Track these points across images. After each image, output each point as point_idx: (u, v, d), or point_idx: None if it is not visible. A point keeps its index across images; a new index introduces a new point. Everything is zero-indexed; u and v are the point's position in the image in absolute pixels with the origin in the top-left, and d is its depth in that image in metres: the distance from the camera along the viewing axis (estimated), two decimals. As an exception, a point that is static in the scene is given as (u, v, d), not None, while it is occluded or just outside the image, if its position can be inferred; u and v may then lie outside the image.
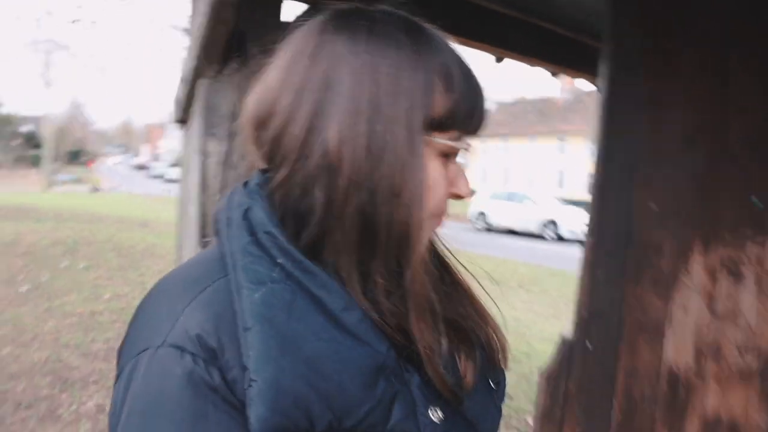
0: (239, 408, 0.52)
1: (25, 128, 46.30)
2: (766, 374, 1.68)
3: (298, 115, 0.57)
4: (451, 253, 0.72)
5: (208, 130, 1.84)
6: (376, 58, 0.56)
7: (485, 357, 0.68)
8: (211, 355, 0.52)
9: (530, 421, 3.71)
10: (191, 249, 1.88)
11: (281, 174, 0.59)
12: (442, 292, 0.66)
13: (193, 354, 0.52)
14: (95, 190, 28.49)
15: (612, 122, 1.82)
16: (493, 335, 0.70)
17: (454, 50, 0.61)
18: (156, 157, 65.82)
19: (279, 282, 0.55)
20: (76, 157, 50.92)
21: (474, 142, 0.65)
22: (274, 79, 0.60)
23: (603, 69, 1.87)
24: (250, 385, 0.51)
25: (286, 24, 1.71)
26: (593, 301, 1.75)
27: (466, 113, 0.60)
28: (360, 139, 0.55)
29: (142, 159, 66.85)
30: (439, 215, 0.63)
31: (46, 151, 29.94)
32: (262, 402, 0.50)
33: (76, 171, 43.47)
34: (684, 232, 1.68)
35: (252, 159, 0.65)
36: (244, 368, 0.52)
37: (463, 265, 0.73)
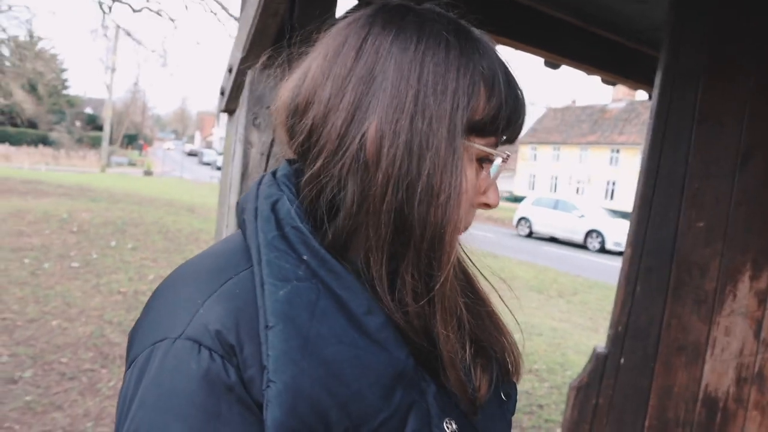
0: (253, 408, 0.51)
1: (87, 110, 48.23)
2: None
3: (341, 106, 0.56)
4: (472, 262, 0.71)
5: (252, 121, 1.87)
6: (423, 56, 0.56)
7: (500, 370, 0.67)
8: (229, 352, 0.51)
9: (560, 434, 3.63)
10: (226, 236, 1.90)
11: (316, 165, 0.58)
12: (467, 299, 0.64)
13: (210, 349, 0.50)
14: (148, 173, 29.44)
15: (663, 134, 1.77)
16: (509, 348, 0.69)
17: (499, 57, 0.60)
18: (208, 144, 67.54)
19: (304, 280, 0.54)
20: (132, 140, 52.70)
21: (512, 151, 0.63)
22: (317, 68, 0.59)
23: (658, 79, 1.82)
24: (268, 386, 0.50)
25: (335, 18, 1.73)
26: (630, 317, 1.70)
27: (506, 121, 0.59)
28: (401, 135, 0.54)
29: (194, 145, 68.69)
30: (466, 221, 0.62)
31: (105, 134, 31.09)
32: (279, 405, 0.49)
33: (131, 154, 45.04)
34: (733, 254, 1.62)
35: (282, 148, 0.64)
36: (263, 368, 0.51)
37: (482, 274, 0.71)
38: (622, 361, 1.69)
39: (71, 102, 43.86)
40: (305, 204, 0.58)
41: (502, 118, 0.58)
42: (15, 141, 34.50)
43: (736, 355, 1.63)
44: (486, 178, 0.62)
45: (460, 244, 0.68)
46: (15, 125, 36.13)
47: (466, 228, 0.62)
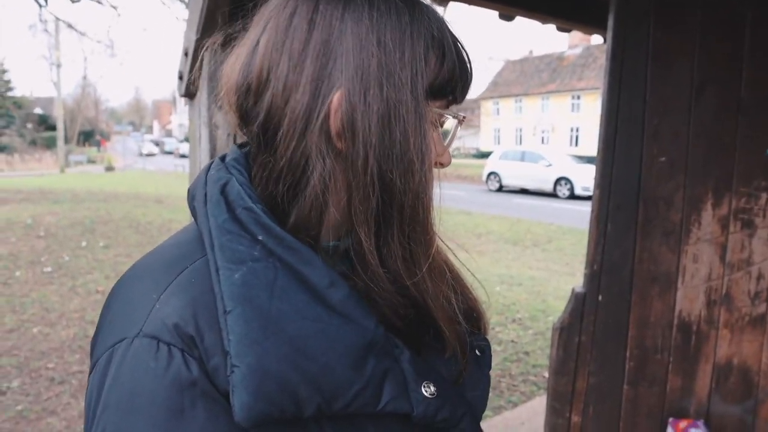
0: (220, 400, 0.50)
1: (37, 110, 46.56)
2: (780, 320, 1.70)
3: (301, 81, 0.55)
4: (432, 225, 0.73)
5: (215, 102, 1.85)
6: (378, 23, 0.55)
7: (470, 326, 0.68)
8: (190, 344, 0.50)
9: (547, 376, 3.77)
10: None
11: (277, 146, 0.56)
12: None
13: (169, 344, 0.50)
14: (109, 169, 28.74)
15: (620, 76, 1.81)
16: (474, 304, 0.70)
17: (444, 21, 0.61)
18: (168, 133, 65.98)
19: (260, 260, 0.52)
20: (89, 137, 51.22)
21: (475, 107, 0.65)
22: (267, 43, 0.57)
23: (611, 22, 1.85)
24: (232, 371, 0.49)
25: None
26: (604, 255, 1.77)
27: (458, 82, 0.60)
28: (373, 104, 0.54)
29: (154, 135, 67.08)
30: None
31: (59, 133, 30.14)
32: (245, 388, 0.48)
33: (89, 151, 43.82)
34: (695, 185, 1.68)
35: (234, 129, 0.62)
36: (225, 353, 0.50)
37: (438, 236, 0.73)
38: (600, 298, 1.77)
39: (18, 103, 42.20)
40: (260, 187, 0.57)
41: (455, 80, 0.59)
42: (-36, 150, 33.24)
43: (705, 280, 1.71)
44: (440, 139, 0.63)
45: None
46: (-38, 134, 34.76)
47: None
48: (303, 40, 0.55)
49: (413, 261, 0.57)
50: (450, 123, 0.67)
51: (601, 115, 1.78)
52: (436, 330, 0.63)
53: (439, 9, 0.63)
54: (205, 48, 2.02)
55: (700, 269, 1.71)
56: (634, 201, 1.72)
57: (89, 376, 0.53)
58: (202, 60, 2.00)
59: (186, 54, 2.22)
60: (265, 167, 0.57)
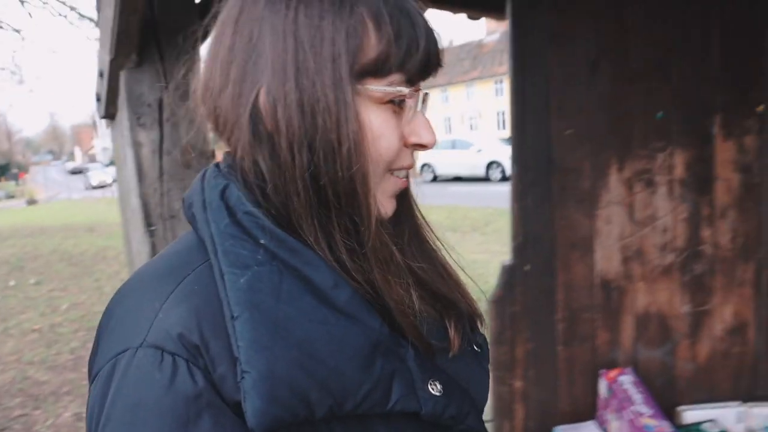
0: (225, 410, 0.49)
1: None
2: (684, 269, 1.87)
3: (229, 84, 0.55)
4: (426, 222, 0.70)
5: (137, 121, 1.85)
6: (296, 12, 0.54)
7: (468, 321, 0.68)
8: (195, 354, 0.49)
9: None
10: (139, 241, 1.91)
11: (231, 148, 0.57)
12: (415, 251, 0.65)
13: (174, 354, 0.49)
14: (32, 202, 27.31)
15: (523, 56, 1.92)
16: (468, 299, 0.69)
17: None
18: (91, 159, 63.25)
19: (264, 264, 0.52)
20: (5, 170, 48.44)
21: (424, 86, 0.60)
22: (208, 51, 0.59)
23: (508, 9, 1.96)
24: (242, 377, 0.48)
25: (196, 9, 1.72)
26: (526, 227, 1.89)
27: (402, 54, 0.55)
28: (290, 96, 0.53)
29: (76, 163, 64.14)
30: (399, 167, 0.60)
31: (-29, 170, 28.34)
32: (257, 394, 0.48)
33: (7, 186, 41.44)
34: (599, 153, 1.82)
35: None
36: (234, 361, 0.49)
37: (435, 235, 0.71)
38: (527, 268, 1.88)
39: None
40: (252, 188, 0.57)
41: (394, 53, 0.55)
42: None
43: (619, 239, 1.86)
44: (413, 119, 0.59)
45: (410, 196, 0.68)
46: None
47: (402, 168, 0.61)
48: (228, 42, 0.56)
49: (359, 254, 0.56)
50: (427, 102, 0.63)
51: (510, 95, 1.90)
52: (440, 329, 0.63)
53: None
54: (121, 68, 2.01)
55: (612, 230, 1.85)
56: (547, 173, 1.85)
57: (90, 387, 0.53)
58: (118, 80, 1.99)
59: (101, 75, 2.19)
60: (234, 169, 0.58)
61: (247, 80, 0.55)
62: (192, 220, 0.58)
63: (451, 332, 0.64)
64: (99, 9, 2.11)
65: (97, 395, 0.50)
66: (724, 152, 1.82)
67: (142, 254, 1.90)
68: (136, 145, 1.88)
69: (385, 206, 0.61)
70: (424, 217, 0.70)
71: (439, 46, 0.59)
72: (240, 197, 0.55)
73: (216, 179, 0.58)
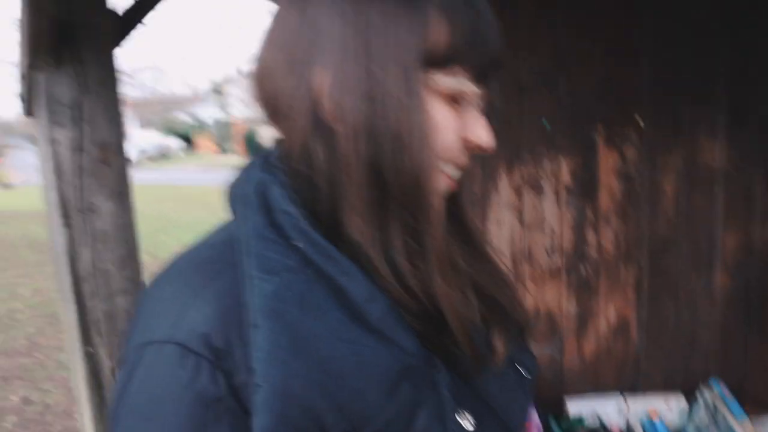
0: (243, 418, 0.47)
1: None
2: (570, 270, 2.01)
3: (293, 68, 0.53)
4: (480, 227, 0.67)
5: (54, 120, 1.94)
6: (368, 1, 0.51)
7: (516, 332, 0.63)
8: (218, 356, 0.47)
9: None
10: (56, 232, 2.01)
11: (285, 138, 0.55)
12: (468, 255, 0.60)
13: (197, 355, 0.47)
14: (6, 186, 27.00)
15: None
16: (519, 307, 0.64)
17: None
18: (70, 144, 62.21)
19: (294, 271, 0.49)
20: (-20, 154, 47.63)
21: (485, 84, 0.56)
22: (268, 34, 0.56)
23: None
24: (256, 391, 0.46)
25: (112, 11, 1.81)
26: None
27: (469, 48, 0.52)
28: (355, 83, 0.51)
29: (54, 147, 62.93)
30: (453, 165, 0.57)
31: (-55, 153, 27.95)
32: (267, 411, 0.45)
33: (-17, 169, 40.83)
34: (490, 160, 1.95)
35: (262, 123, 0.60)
36: (251, 370, 0.47)
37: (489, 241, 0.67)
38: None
39: None
40: (295, 186, 0.54)
41: (462, 46, 0.52)
42: None
43: (509, 241, 1.99)
44: (471, 117, 0.56)
45: (465, 198, 0.65)
46: None
47: (457, 166, 0.57)
48: (294, 26, 0.54)
49: (418, 256, 0.52)
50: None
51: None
52: (485, 341, 0.59)
53: None
54: (38, 70, 2.11)
55: (503, 232, 1.98)
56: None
57: (118, 368, 0.55)
58: (37, 81, 2.08)
59: (23, 77, 2.27)
60: (288, 156, 0.55)
61: (310, 63, 0.52)
62: (234, 214, 0.57)
63: (499, 347, 0.59)
64: (21, 13, 2.19)
65: (120, 382, 0.50)
66: (607, 160, 1.95)
67: (58, 245, 1.98)
68: (54, 143, 1.97)
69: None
70: (475, 219, 0.66)
71: (500, 44, 0.56)
72: (281, 194, 0.52)
73: (259, 173, 0.55)
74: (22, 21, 1.95)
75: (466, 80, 0.54)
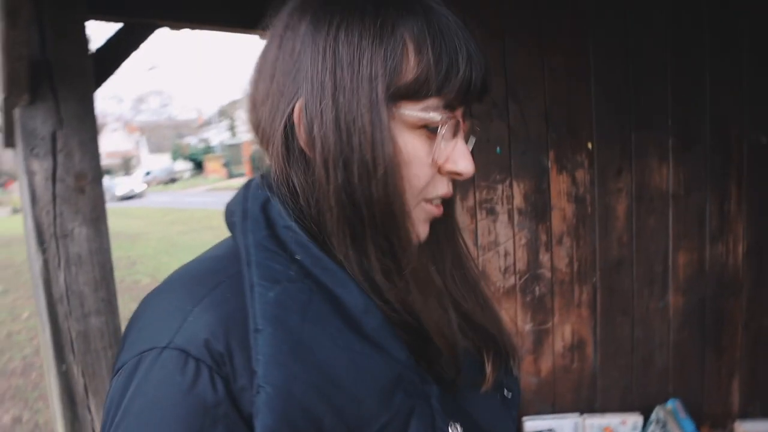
0: (239, 424, 0.48)
1: (-69, 156, 43.48)
2: (524, 289, 2.07)
3: (269, 97, 0.56)
4: (468, 251, 0.68)
5: (30, 152, 2.06)
6: (337, 31, 0.53)
7: (504, 358, 0.65)
8: (219, 362, 0.48)
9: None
10: (33, 257, 2.10)
11: (272, 161, 0.57)
12: (458, 279, 0.64)
13: (198, 360, 0.48)
14: (16, 211, 27.35)
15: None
16: (509, 339, 0.67)
17: (432, 9, 0.55)
18: (81, 168, 62.87)
19: (295, 281, 0.51)
20: (-7, 179, 48.33)
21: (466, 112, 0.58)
22: (256, 65, 0.59)
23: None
24: (258, 392, 0.47)
25: (87, 53, 1.92)
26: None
27: (440, 78, 0.53)
28: (326, 113, 0.52)
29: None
30: (433, 196, 0.58)
31: (-42, 178, 28.37)
32: (270, 411, 0.47)
33: (-4, 194, 41.43)
34: (446, 183, 2.03)
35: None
36: (253, 374, 0.48)
37: (476, 265, 0.70)
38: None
39: None
40: (287, 204, 0.56)
41: (432, 77, 0.53)
42: None
43: (465, 262, 2.06)
44: (450, 144, 0.57)
45: (453, 221, 0.66)
46: None
47: (437, 195, 0.58)
48: (272, 58, 0.56)
49: (394, 275, 0.54)
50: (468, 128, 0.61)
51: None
52: (475, 363, 0.62)
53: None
54: (15, 105, 2.23)
55: (459, 254, 2.05)
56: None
57: (112, 379, 0.53)
58: (13, 115, 2.20)
59: (1, 110, 2.40)
60: (276, 183, 0.57)
61: (285, 94, 0.55)
62: (232, 228, 0.58)
63: (488, 368, 0.62)
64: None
65: (117, 388, 0.50)
66: (558, 184, 2.03)
67: (35, 268, 2.07)
68: (30, 174, 2.08)
69: (418, 231, 0.59)
70: (466, 246, 0.68)
71: (484, 72, 0.56)
72: (281, 211, 0.55)
73: (260, 190, 0.58)
74: (2, 59, 2.07)
75: (440, 110, 0.54)
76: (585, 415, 2.09)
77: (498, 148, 1.99)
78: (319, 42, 0.53)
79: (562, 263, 2.07)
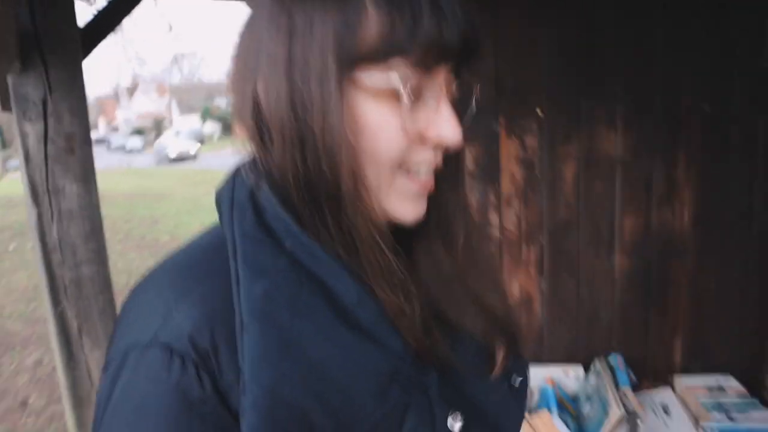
0: (228, 420, 0.47)
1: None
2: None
3: (241, 79, 0.54)
4: (480, 229, 0.69)
5: (23, 116, 2.26)
6: (292, 2, 0.50)
7: (515, 348, 0.62)
8: (204, 358, 0.47)
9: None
10: (29, 212, 2.32)
11: (251, 149, 0.55)
12: (465, 258, 0.61)
13: (183, 356, 0.46)
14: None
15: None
16: (517, 325, 0.64)
17: None
18: (114, 129, 64.52)
19: (283, 272, 0.49)
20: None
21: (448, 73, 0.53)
22: (235, 45, 0.57)
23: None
24: (244, 392, 0.46)
25: (75, 24, 2.09)
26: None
27: (401, 35, 0.48)
28: (280, 90, 0.50)
29: (99, 132, 65.49)
30: (412, 166, 0.54)
31: (-2, 138, 29.41)
32: (256, 411, 0.45)
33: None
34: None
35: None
36: (240, 370, 0.46)
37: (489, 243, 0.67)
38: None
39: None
40: (275, 190, 0.53)
41: (392, 33, 0.48)
42: None
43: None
44: (431, 110, 0.53)
45: (461, 197, 0.63)
46: None
47: (420, 171, 0.55)
48: (239, 42, 0.55)
49: (352, 249, 0.51)
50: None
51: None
52: (483, 350, 0.60)
53: None
54: (7, 72, 2.45)
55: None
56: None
57: (102, 372, 0.52)
58: (6, 81, 2.40)
59: None
60: (257, 169, 0.55)
61: (249, 76, 0.53)
62: (220, 217, 0.55)
63: (499, 354, 0.60)
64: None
65: (104, 386, 0.49)
66: (508, 149, 2.14)
67: (31, 221, 2.29)
68: (23, 135, 2.29)
69: (401, 209, 0.55)
70: (476, 223, 0.65)
71: (462, 27, 0.51)
72: (270, 198, 0.52)
73: (248, 175, 0.55)
74: (-8, 29, 2.26)
75: (410, 73, 0.50)
76: (531, 365, 2.24)
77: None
78: (275, 17, 0.51)
79: (510, 224, 2.19)
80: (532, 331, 2.27)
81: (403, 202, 0.55)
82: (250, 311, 0.47)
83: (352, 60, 0.49)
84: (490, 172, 2.16)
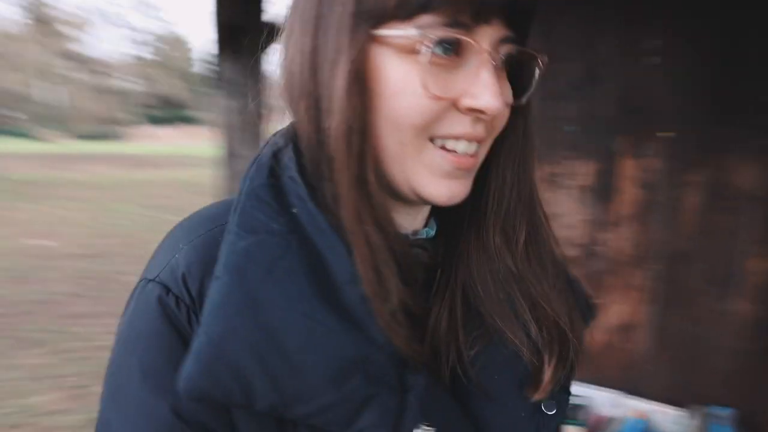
0: None
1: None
2: (583, 264, 2.23)
3: (284, 46, 0.54)
4: (548, 220, 0.59)
5: (227, 94, 2.90)
6: None
7: (567, 370, 0.56)
8: (191, 300, 0.49)
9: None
10: (225, 175, 2.91)
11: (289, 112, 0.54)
12: (525, 255, 0.56)
13: (177, 296, 0.49)
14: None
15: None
16: (577, 338, 0.57)
17: None
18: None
19: (274, 235, 0.47)
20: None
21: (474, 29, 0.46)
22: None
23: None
24: (194, 337, 0.46)
25: (264, 21, 2.65)
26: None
27: None
28: (305, 49, 0.50)
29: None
30: (443, 135, 0.49)
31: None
32: (196, 359, 0.44)
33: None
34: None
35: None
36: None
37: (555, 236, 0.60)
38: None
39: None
40: (299, 153, 0.52)
41: None
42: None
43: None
44: (468, 74, 0.48)
45: (523, 182, 0.57)
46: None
47: (449, 141, 0.50)
48: (289, 7, 0.54)
49: (365, 226, 0.48)
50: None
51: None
52: (517, 364, 0.55)
53: None
54: (220, 60, 3.12)
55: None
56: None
57: None
58: (216, 67, 3.03)
59: (212, 63, 3.29)
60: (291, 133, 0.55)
61: (289, 36, 0.52)
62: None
63: (546, 372, 0.54)
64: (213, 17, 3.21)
65: (123, 313, 0.53)
66: (626, 168, 2.11)
67: (226, 177, 2.89)
68: (226, 110, 2.92)
69: (431, 187, 0.50)
70: (547, 218, 0.59)
71: None
72: (291, 160, 0.51)
73: (280, 138, 0.54)
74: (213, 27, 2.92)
75: (439, 30, 0.46)
76: (626, 395, 2.16)
77: (571, 127, 2.18)
78: None
79: (621, 244, 2.17)
80: (633, 359, 2.20)
81: (434, 179, 0.50)
82: (225, 264, 0.47)
83: (372, 15, 0.46)
84: (605, 189, 2.16)
